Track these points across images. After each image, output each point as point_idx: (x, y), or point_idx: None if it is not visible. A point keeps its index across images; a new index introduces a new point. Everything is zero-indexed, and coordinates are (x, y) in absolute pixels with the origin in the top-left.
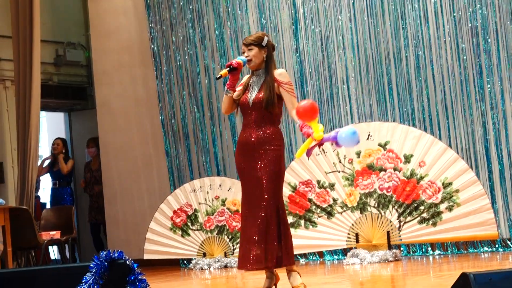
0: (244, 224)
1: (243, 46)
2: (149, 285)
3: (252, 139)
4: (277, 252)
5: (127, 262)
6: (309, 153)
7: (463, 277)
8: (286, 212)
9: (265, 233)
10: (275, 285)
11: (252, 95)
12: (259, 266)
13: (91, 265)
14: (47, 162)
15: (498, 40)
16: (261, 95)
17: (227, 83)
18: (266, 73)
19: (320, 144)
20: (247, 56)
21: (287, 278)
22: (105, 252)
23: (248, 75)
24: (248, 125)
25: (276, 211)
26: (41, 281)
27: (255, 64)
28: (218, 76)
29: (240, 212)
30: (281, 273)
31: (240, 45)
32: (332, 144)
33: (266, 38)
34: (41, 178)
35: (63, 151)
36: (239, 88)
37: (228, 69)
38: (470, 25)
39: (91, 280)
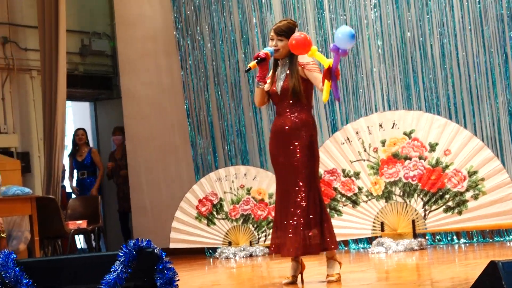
0: (280, 211)
1: (273, 33)
2: (177, 274)
3: (286, 126)
4: (318, 237)
5: (155, 251)
6: (335, 93)
7: (492, 265)
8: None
9: (306, 219)
10: (301, 273)
11: (279, 84)
12: (304, 252)
13: (120, 254)
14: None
15: None
16: (287, 83)
17: (257, 75)
18: (290, 60)
19: (335, 71)
20: (275, 46)
21: (326, 266)
22: (133, 241)
23: (273, 67)
24: (280, 113)
25: (313, 197)
26: (70, 270)
27: (281, 54)
28: (247, 69)
29: (268, 200)
30: (307, 261)
31: (264, 33)
32: (339, 55)
33: (296, 30)
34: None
35: (86, 141)
36: (268, 80)
37: (256, 60)
38: (495, 12)
39: (119, 269)
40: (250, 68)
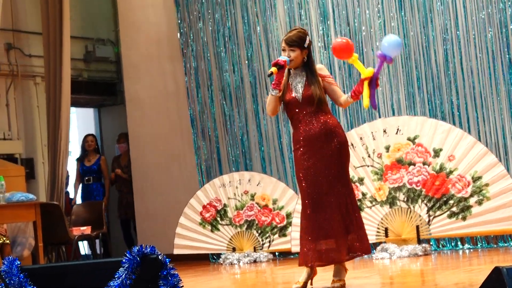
0: (315, 217)
1: (284, 44)
2: (181, 280)
3: (319, 132)
4: (357, 240)
5: (159, 257)
6: (373, 101)
7: (496, 271)
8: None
9: (346, 224)
10: (311, 279)
11: (298, 92)
12: (351, 256)
13: (124, 260)
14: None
15: None
16: (310, 90)
17: (273, 82)
18: (307, 69)
19: (376, 79)
20: (289, 56)
21: (333, 271)
22: (137, 247)
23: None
24: (303, 120)
25: (350, 201)
26: (75, 276)
27: (295, 64)
28: (269, 74)
29: (272, 206)
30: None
31: (268, 39)
32: (386, 62)
33: (307, 39)
34: (70, 174)
35: (95, 147)
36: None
37: (277, 66)
38: (499, 18)
39: (123, 275)
40: (272, 73)
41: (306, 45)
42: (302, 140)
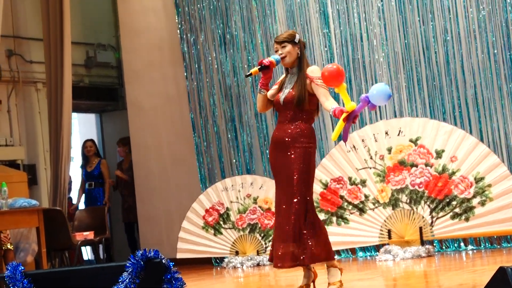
0: (276, 221)
1: (275, 44)
2: (185, 284)
3: (285, 137)
4: (310, 248)
5: (163, 261)
6: (345, 135)
7: (501, 271)
8: (318, 209)
9: (297, 230)
10: (313, 282)
11: (284, 94)
12: (293, 264)
13: (128, 265)
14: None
15: None
16: (292, 93)
17: (260, 81)
18: (299, 70)
19: (354, 117)
20: (280, 54)
21: (327, 274)
22: (141, 252)
23: (284, 75)
24: (281, 123)
25: (304, 207)
26: (78, 281)
27: (289, 61)
28: (247, 74)
29: (273, 210)
30: (320, 269)
31: (268, 43)
32: (367, 107)
33: (297, 36)
34: (72, 179)
35: (95, 152)
36: (274, 87)
37: (259, 67)
38: (499, 18)
39: (127, 280)
40: (251, 74)
41: (297, 41)
42: (272, 142)
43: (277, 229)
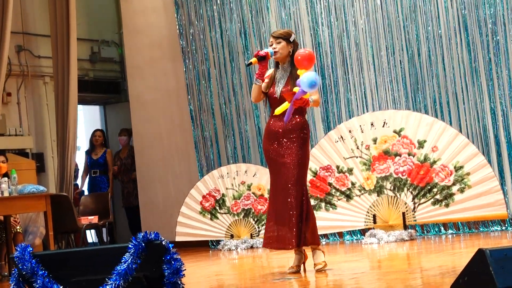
0: (271, 206)
1: (271, 38)
2: (183, 264)
3: (280, 129)
4: (302, 232)
5: (163, 243)
6: (286, 115)
7: (480, 253)
8: (309, 195)
9: (292, 215)
10: (304, 263)
11: (279, 88)
12: (285, 246)
13: (129, 246)
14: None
15: (505, 30)
16: (288, 88)
17: (256, 72)
18: (291, 67)
19: (294, 99)
20: (274, 48)
21: (312, 256)
22: (142, 234)
23: (273, 69)
24: (276, 116)
25: (301, 195)
26: (83, 262)
27: (280, 56)
28: (248, 63)
29: (267, 196)
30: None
31: (262, 40)
32: (303, 94)
33: (293, 36)
34: (79, 167)
35: (102, 142)
36: (266, 80)
37: (257, 57)
38: (478, 17)
39: (129, 260)
40: (251, 63)
41: (291, 40)
42: (268, 133)
43: (272, 214)
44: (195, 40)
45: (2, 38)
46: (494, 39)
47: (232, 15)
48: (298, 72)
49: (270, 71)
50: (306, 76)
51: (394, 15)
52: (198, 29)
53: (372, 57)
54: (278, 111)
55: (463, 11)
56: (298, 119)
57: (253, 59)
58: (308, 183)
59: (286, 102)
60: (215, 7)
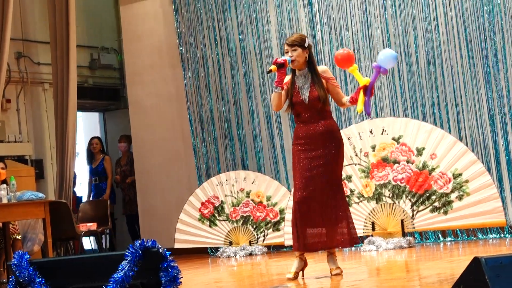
0: (307, 209)
1: (286, 46)
2: (180, 272)
3: (319, 132)
4: (345, 233)
5: (160, 251)
6: (367, 108)
7: (475, 261)
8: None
9: (336, 214)
10: (303, 270)
11: (305, 94)
12: (337, 244)
13: (127, 254)
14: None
15: (504, 38)
16: (315, 93)
17: (275, 80)
18: (312, 72)
19: (371, 88)
20: (291, 56)
21: (327, 261)
22: (139, 241)
23: (289, 76)
24: (308, 121)
25: (342, 193)
26: (81, 269)
27: (298, 63)
28: (268, 71)
29: (266, 203)
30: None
31: (261, 46)
32: (380, 73)
33: (307, 40)
34: (77, 174)
35: (101, 149)
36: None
37: (277, 65)
38: (477, 24)
39: (126, 268)
40: (271, 70)
41: (306, 45)
42: (303, 138)
43: (309, 217)
44: (194, 46)
45: (2, 44)
46: (493, 47)
47: (231, 22)
48: (350, 70)
49: (287, 79)
50: (384, 54)
51: (393, 22)
52: (198, 35)
53: (370, 64)
54: (359, 108)
55: (462, 19)
56: (333, 123)
57: (273, 67)
58: None
59: (361, 96)
60: (214, 14)
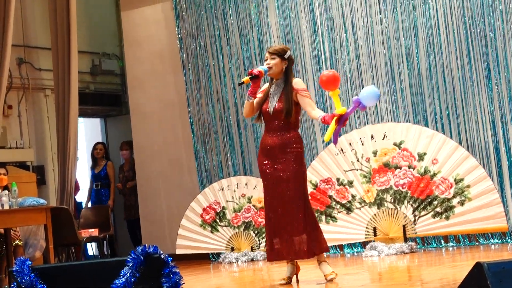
0: (269, 220)
1: (267, 53)
2: (182, 278)
3: (275, 143)
4: (307, 243)
5: (162, 256)
6: (335, 138)
7: (478, 266)
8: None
9: (292, 226)
10: (296, 275)
11: (272, 104)
12: (292, 257)
13: (128, 260)
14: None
15: (505, 43)
16: (280, 105)
17: (249, 89)
18: (285, 83)
19: (345, 119)
20: (268, 64)
21: (319, 269)
22: (141, 247)
23: (268, 84)
24: (270, 131)
25: (302, 205)
26: (82, 275)
27: (274, 72)
28: (240, 82)
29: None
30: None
31: (262, 52)
32: (358, 108)
33: (288, 52)
34: (78, 180)
35: (104, 154)
36: (259, 95)
37: (250, 76)
38: (478, 30)
39: (128, 274)
40: (243, 82)
41: (286, 57)
42: (262, 148)
43: (271, 227)
44: (195, 52)
45: (3, 50)
46: (494, 51)
47: (232, 28)
48: (330, 94)
49: (264, 86)
50: (367, 91)
51: (394, 28)
52: (199, 41)
53: (371, 70)
54: (327, 137)
55: (463, 24)
56: (293, 134)
57: (245, 78)
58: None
59: (332, 124)
60: (215, 20)
